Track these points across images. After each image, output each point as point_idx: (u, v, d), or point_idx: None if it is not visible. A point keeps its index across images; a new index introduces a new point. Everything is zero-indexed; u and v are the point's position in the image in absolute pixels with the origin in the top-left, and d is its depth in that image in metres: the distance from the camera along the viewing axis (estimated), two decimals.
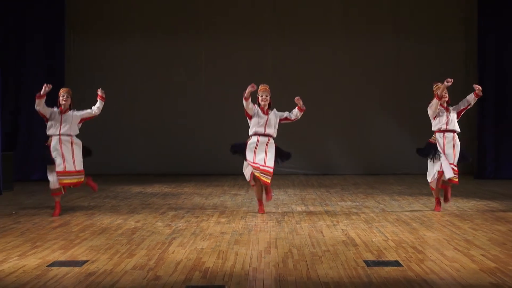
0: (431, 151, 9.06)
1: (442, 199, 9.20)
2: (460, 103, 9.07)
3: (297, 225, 8.11)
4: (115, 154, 15.23)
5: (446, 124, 8.97)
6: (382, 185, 12.82)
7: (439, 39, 15.16)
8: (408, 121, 15.27)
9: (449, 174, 8.81)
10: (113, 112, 15.34)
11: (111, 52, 15.41)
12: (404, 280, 5.32)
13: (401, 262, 5.97)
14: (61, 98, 8.93)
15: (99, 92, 9.22)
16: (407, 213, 9.07)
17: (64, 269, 5.73)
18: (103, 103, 9.26)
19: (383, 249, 6.58)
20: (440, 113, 8.99)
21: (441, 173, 8.92)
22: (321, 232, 7.59)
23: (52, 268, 5.80)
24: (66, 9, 14.41)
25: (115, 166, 15.16)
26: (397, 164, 15.18)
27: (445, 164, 8.85)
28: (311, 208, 9.62)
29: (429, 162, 9.10)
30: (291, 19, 15.31)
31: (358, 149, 15.33)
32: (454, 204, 9.85)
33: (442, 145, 8.96)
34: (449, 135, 8.99)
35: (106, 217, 8.73)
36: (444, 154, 8.91)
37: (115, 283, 5.29)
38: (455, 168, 8.89)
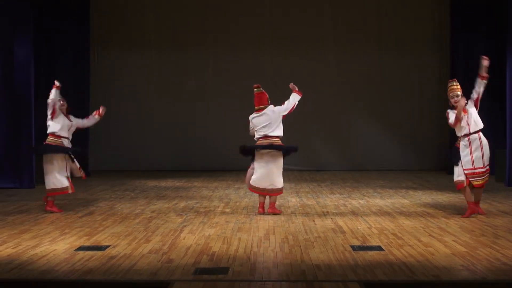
0: (458, 157, 7.70)
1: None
2: (471, 96, 7.76)
3: (292, 214, 8.09)
4: (134, 153, 15.25)
5: (468, 127, 7.65)
6: (367, 179, 12.79)
7: (416, 52, 15.14)
8: (390, 123, 15.27)
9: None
10: (132, 117, 15.39)
11: (130, 64, 15.41)
12: (385, 263, 5.31)
13: (383, 247, 5.96)
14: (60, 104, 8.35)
15: (101, 109, 8.73)
16: (388, 204, 9.05)
17: (89, 253, 5.73)
18: (98, 119, 8.79)
19: (367, 235, 6.56)
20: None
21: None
22: (313, 220, 7.58)
23: (79, 252, 5.79)
24: (91, 27, 14.40)
25: (134, 163, 15.18)
26: (380, 161, 15.16)
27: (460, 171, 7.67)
28: (305, 200, 9.60)
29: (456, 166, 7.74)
30: (287, 34, 15.28)
31: (346, 148, 15.31)
32: (429, 197, 9.83)
33: (469, 150, 7.62)
34: (474, 137, 7.63)
35: (125, 208, 8.72)
36: (473, 160, 7.57)
37: (133, 265, 5.29)
38: (482, 170, 7.63)
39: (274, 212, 8.05)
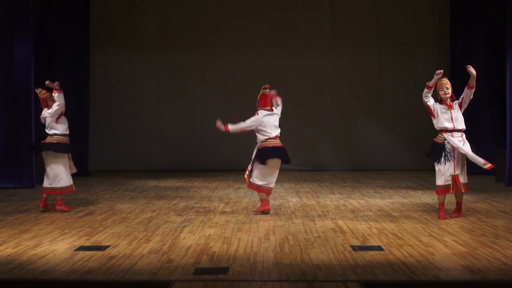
0: (440, 153, 7.45)
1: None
2: (459, 99, 7.61)
3: (292, 214, 8.09)
4: (134, 153, 15.24)
5: (451, 123, 7.45)
6: (366, 179, 12.79)
7: (416, 51, 15.14)
8: (389, 123, 15.26)
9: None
10: (133, 117, 15.38)
11: (130, 63, 15.40)
12: (385, 263, 5.31)
13: (383, 247, 5.96)
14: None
15: (51, 85, 8.14)
16: (388, 204, 9.05)
17: (89, 253, 5.73)
18: (61, 93, 8.15)
19: (367, 235, 6.56)
20: (443, 111, 7.53)
21: (456, 177, 7.44)
22: (313, 220, 7.57)
23: (79, 252, 5.79)
24: (91, 27, 14.40)
25: (134, 163, 15.17)
26: (380, 161, 15.15)
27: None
28: (305, 200, 9.60)
29: (437, 165, 7.49)
30: (287, 33, 15.29)
31: (346, 148, 15.30)
32: (429, 197, 9.82)
33: (454, 146, 7.42)
34: (457, 134, 7.49)
35: (125, 208, 8.71)
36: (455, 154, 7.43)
37: (133, 265, 5.28)
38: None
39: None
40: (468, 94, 7.58)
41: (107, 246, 6.01)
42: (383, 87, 15.31)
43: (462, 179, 7.51)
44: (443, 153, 7.45)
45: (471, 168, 13.74)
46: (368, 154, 15.21)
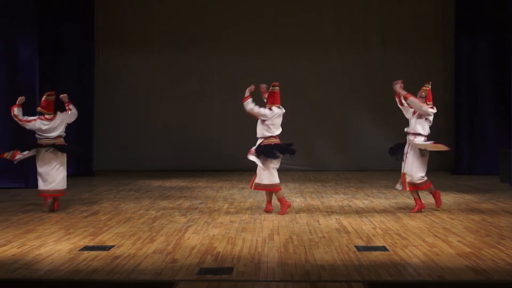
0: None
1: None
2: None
3: (296, 214, 8.08)
4: (139, 153, 15.26)
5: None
6: (371, 179, 12.78)
7: (420, 52, 15.13)
8: (394, 124, 15.14)
9: None
10: (137, 117, 15.40)
11: (134, 64, 15.43)
12: (390, 263, 5.31)
13: (387, 247, 5.96)
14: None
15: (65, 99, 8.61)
16: (392, 204, 9.04)
17: (94, 253, 5.74)
18: (74, 112, 8.62)
19: (372, 236, 6.56)
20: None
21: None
22: (318, 221, 7.57)
23: (83, 252, 5.80)
24: (95, 27, 14.43)
25: (139, 163, 15.18)
26: (384, 161, 15.05)
27: None
28: (309, 200, 9.59)
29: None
30: (289, 33, 15.30)
31: (350, 148, 15.28)
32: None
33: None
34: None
35: (130, 208, 8.72)
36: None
37: (138, 265, 5.29)
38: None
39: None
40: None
41: (112, 246, 6.02)
42: (387, 87, 15.18)
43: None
44: None
45: (476, 169, 13.85)
46: (372, 154, 15.16)
